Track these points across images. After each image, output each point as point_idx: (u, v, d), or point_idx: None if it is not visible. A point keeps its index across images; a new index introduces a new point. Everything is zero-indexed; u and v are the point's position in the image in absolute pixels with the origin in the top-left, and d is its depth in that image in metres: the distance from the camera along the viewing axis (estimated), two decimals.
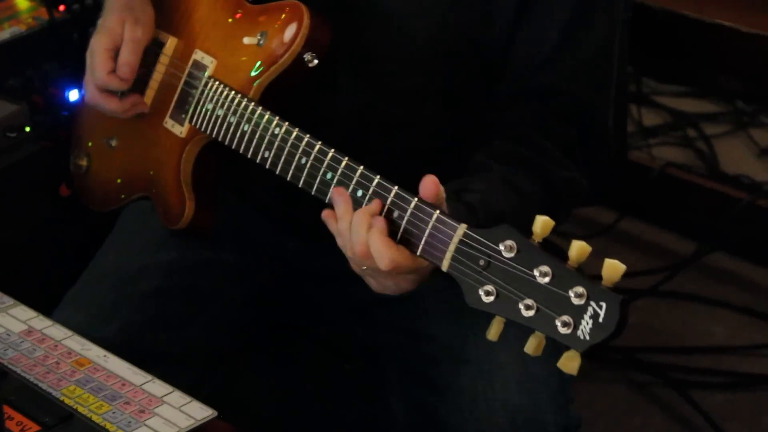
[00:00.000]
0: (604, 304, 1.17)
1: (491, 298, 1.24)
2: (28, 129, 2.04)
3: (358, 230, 1.37)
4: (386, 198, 1.37)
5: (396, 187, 1.37)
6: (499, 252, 1.24)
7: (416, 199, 1.35)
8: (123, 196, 1.82)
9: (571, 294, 1.18)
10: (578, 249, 1.20)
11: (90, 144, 1.88)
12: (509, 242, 1.23)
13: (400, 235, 1.35)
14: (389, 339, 1.73)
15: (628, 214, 2.98)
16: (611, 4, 1.63)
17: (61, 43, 2.23)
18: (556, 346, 1.22)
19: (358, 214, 1.38)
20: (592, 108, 1.64)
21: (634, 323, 2.69)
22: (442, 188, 1.37)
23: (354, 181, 1.41)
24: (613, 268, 1.18)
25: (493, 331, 1.26)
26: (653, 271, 2.84)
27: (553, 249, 1.23)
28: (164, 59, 1.74)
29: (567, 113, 1.61)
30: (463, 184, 1.47)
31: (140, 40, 1.70)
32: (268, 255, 1.78)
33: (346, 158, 1.43)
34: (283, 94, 1.62)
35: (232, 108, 1.59)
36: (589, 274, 1.20)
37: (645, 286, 2.79)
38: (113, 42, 1.70)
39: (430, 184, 1.35)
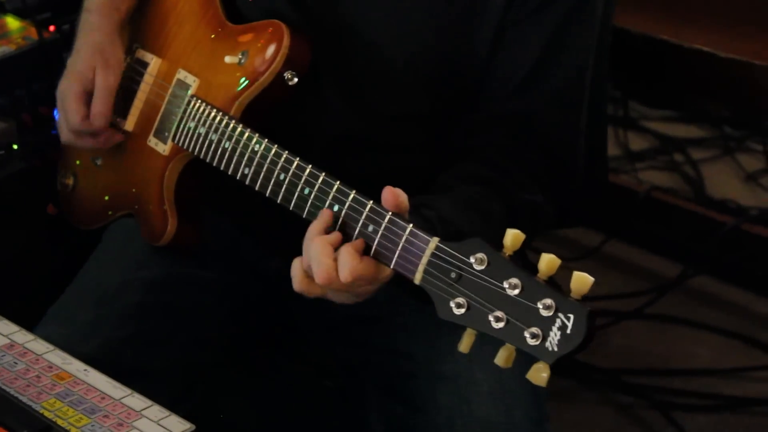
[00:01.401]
0: (572, 316, 1.19)
1: (462, 311, 1.26)
2: (15, 147, 2.05)
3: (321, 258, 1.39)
4: (361, 212, 1.39)
5: (371, 202, 1.39)
6: (470, 264, 1.26)
7: (390, 213, 1.36)
8: (109, 213, 1.84)
9: (540, 306, 1.19)
10: (548, 262, 1.22)
11: (76, 163, 1.90)
12: (480, 255, 1.25)
13: (374, 249, 1.37)
14: (368, 356, 1.74)
15: (613, 237, 2.99)
16: (586, 31, 1.65)
17: (51, 63, 2.25)
18: (531, 361, 1.24)
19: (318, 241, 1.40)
20: (562, 134, 1.65)
21: (618, 345, 2.74)
22: (405, 200, 1.38)
23: (330, 196, 1.43)
24: (581, 281, 1.20)
25: (465, 344, 1.28)
26: (638, 293, 2.85)
27: (524, 263, 1.25)
28: (148, 79, 1.77)
29: (536, 139, 1.62)
30: (424, 200, 1.49)
31: (112, 86, 1.73)
32: (251, 273, 1.79)
33: (323, 174, 1.45)
34: (265, 111, 1.64)
35: (214, 126, 1.62)
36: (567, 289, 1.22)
37: (630, 309, 2.80)
38: (84, 87, 1.73)
39: (389, 195, 1.37)
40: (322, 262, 1.38)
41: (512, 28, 1.60)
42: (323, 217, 1.43)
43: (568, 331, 1.18)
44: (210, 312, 1.76)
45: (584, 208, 1.79)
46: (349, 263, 1.36)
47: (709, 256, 2.89)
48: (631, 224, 2.99)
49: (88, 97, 1.73)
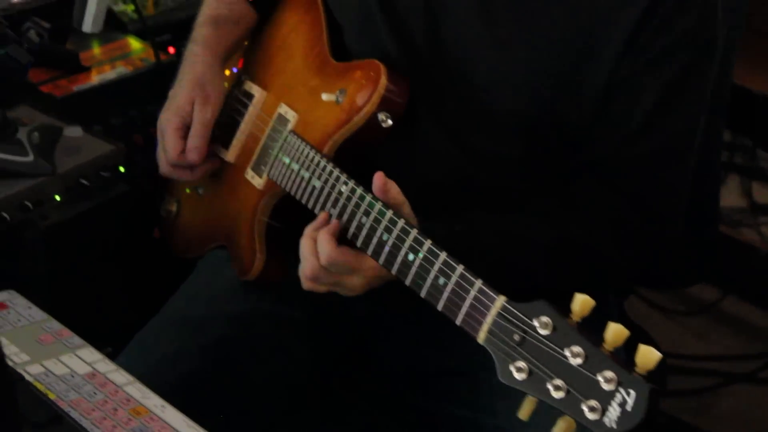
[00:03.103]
0: (633, 392, 1.14)
1: (523, 376, 1.22)
2: (122, 169, 2.07)
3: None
4: (434, 263, 1.36)
5: (444, 253, 1.36)
6: (534, 328, 1.22)
7: (461, 267, 1.33)
8: (204, 244, 1.85)
9: (601, 378, 1.15)
10: (614, 332, 1.17)
11: (180, 190, 1.92)
12: (545, 319, 1.21)
13: (443, 303, 1.34)
14: (450, 410, 1.70)
15: (731, 293, 2.89)
16: (701, 87, 1.60)
17: (166, 85, 2.28)
18: None
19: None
20: (664, 189, 1.60)
21: (728, 409, 2.64)
22: (393, 190, 1.45)
23: (406, 245, 1.41)
24: (647, 355, 1.15)
25: (525, 410, 1.24)
26: (753, 355, 2.74)
27: (592, 330, 1.20)
28: (252, 111, 1.77)
29: (634, 191, 1.58)
30: (463, 216, 1.51)
31: (209, 122, 1.74)
32: (336, 314, 1.78)
33: (402, 220, 1.43)
34: (358, 152, 1.63)
35: (306, 163, 1.61)
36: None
37: (743, 371, 2.70)
38: (182, 121, 1.74)
39: (377, 180, 1.45)
40: (306, 258, 1.50)
41: (626, 79, 1.56)
42: (319, 218, 1.52)
43: (628, 408, 1.13)
44: (292, 351, 1.74)
45: (692, 267, 1.73)
46: (324, 249, 1.47)
47: None
48: (750, 281, 2.89)
49: (186, 130, 1.75)
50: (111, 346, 1.63)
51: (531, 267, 1.57)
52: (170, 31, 2.38)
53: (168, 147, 1.75)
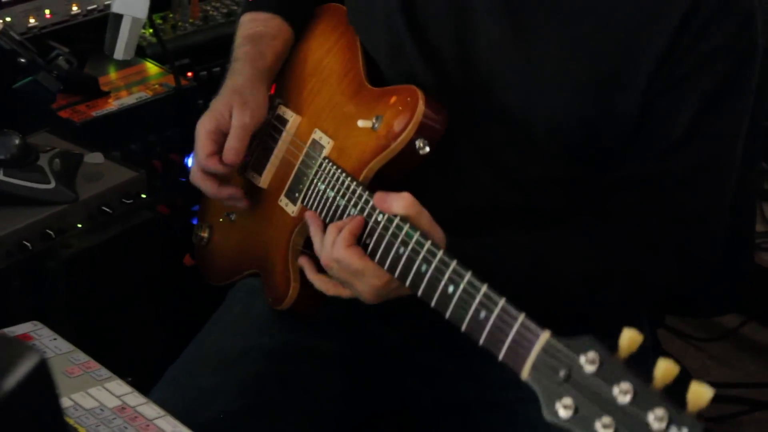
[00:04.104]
0: (686, 430, 1.11)
1: (569, 413, 1.19)
2: (144, 196, 2.05)
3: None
4: (475, 296, 1.34)
5: (485, 286, 1.33)
6: (580, 364, 1.19)
7: (503, 300, 1.31)
8: (236, 271, 1.82)
9: (651, 417, 1.12)
10: (664, 370, 1.14)
11: (213, 216, 1.88)
12: (592, 354, 1.18)
13: (484, 338, 1.31)
14: None
15: (753, 319, 2.86)
16: (741, 99, 1.57)
17: (185, 110, 2.26)
18: None
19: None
20: (704, 205, 1.57)
21: None
22: (393, 203, 1.47)
23: (446, 277, 1.38)
24: (699, 394, 1.11)
25: None
26: None
27: (639, 367, 1.17)
28: (286, 136, 1.75)
29: (673, 207, 1.55)
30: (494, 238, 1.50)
31: (247, 125, 1.71)
32: (370, 345, 1.75)
33: (441, 251, 1.40)
34: (394, 180, 1.60)
35: (342, 191, 1.59)
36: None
37: (765, 398, 2.67)
38: (217, 125, 1.71)
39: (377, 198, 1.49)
40: (326, 246, 1.53)
41: (665, 90, 1.53)
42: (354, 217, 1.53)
43: None
44: (328, 384, 1.71)
45: (726, 294, 1.71)
46: (337, 243, 1.50)
47: None
48: None
49: (220, 136, 1.71)
50: (131, 375, 1.60)
51: (566, 289, 1.55)
52: (189, 55, 2.37)
53: (198, 148, 1.72)
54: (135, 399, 1.51)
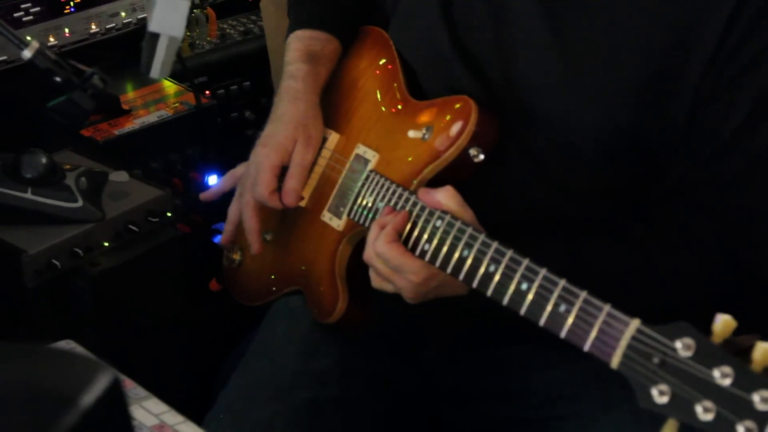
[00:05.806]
0: None
1: (665, 399, 1.19)
2: (169, 214, 2.04)
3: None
4: (552, 291, 1.34)
5: (564, 281, 1.34)
6: (675, 350, 1.19)
7: (585, 293, 1.31)
8: (274, 290, 1.81)
9: (756, 397, 1.12)
10: (763, 352, 1.14)
11: (245, 238, 1.86)
12: (687, 340, 1.19)
13: (566, 330, 1.31)
14: None
15: None
16: None
17: (206, 129, 2.25)
18: None
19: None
20: (757, 208, 1.57)
21: None
22: (439, 198, 1.49)
23: (519, 274, 1.38)
24: None
25: None
26: None
27: (734, 352, 1.18)
28: (326, 153, 1.75)
29: (725, 213, 1.55)
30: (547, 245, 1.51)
31: (308, 164, 1.72)
32: (405, 363, 1.74)
33: (510, 251, 1.40)
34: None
35: (393, 201, 1.58)
36: None
37: None
38: (281, 160, 1.71)
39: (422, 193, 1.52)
40: (369, 242, 1.54)
41: (712, 94, 1.52)
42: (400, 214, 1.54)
43: None
44: (374, 408, 1.70)
45: None
46: (379, 238, 1.51)
47: None
48: None
49: (281, 170, 1.71)
50: (158, 392, 1.57)
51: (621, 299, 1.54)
52: (207, 73, 2.36)
53: (261, 183, 1.70)
54: (173, 418, 1.48)
